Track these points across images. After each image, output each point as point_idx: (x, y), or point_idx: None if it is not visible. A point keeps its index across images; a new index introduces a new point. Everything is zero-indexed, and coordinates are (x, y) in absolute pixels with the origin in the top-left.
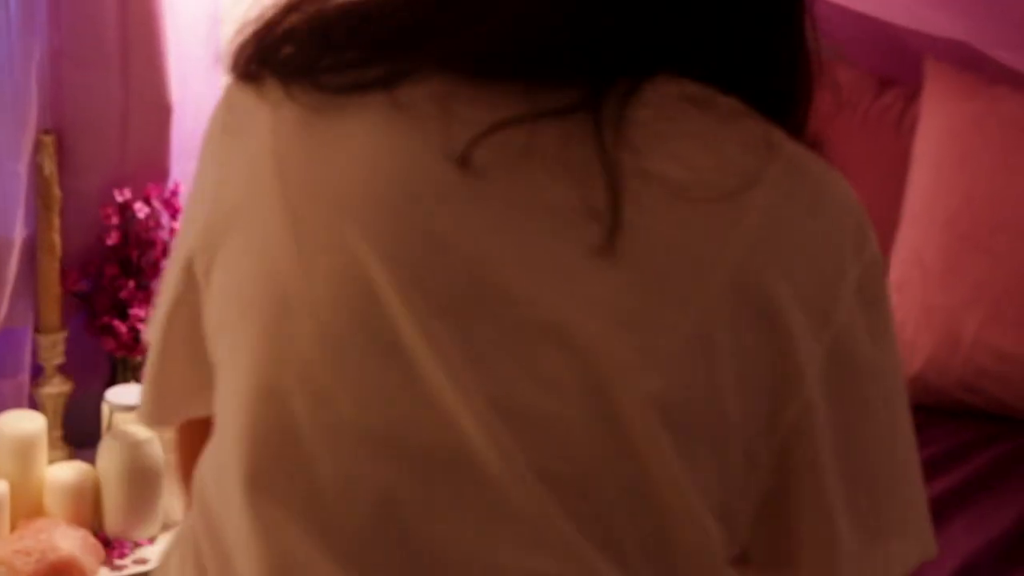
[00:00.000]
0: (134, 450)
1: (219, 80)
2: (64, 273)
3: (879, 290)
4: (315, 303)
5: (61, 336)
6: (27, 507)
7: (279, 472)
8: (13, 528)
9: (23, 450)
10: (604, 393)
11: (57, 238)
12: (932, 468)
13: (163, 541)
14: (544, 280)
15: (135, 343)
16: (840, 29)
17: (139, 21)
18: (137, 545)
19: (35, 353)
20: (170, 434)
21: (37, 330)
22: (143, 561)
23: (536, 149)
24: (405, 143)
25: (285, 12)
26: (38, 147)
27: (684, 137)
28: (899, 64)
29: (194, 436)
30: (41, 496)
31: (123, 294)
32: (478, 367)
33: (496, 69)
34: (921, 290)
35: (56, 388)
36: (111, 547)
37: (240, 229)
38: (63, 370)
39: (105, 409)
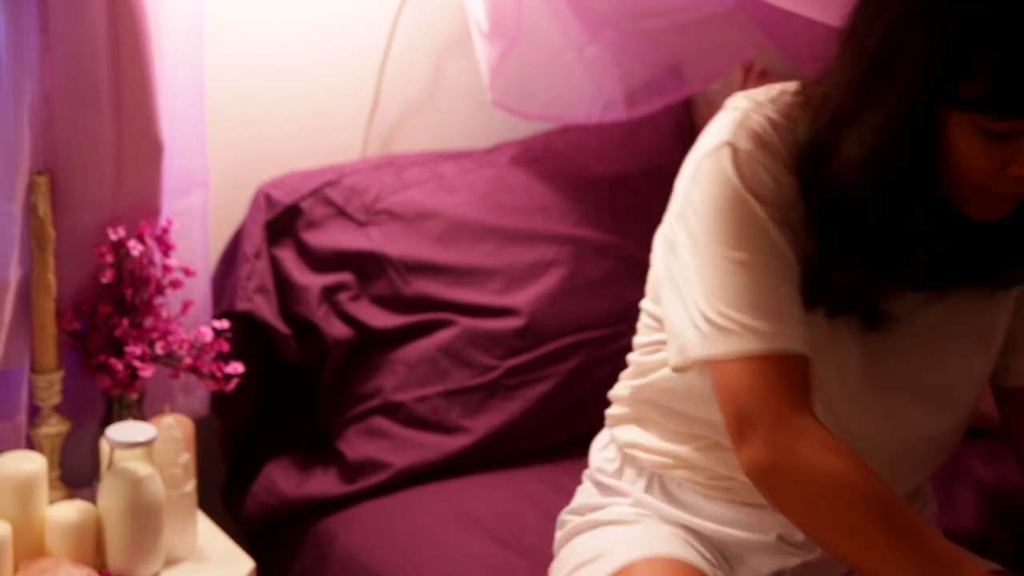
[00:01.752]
0: (136, 487)
1: (204, 119)
2: (59, 313)
3: None
4: None
5: (57, 376)
6: (29, 548)
7: None
8: (16, 569)
9: (24, 491)
10: None
11: (52, 278)
12: None
13: None
14: None
15: (131, 381)
16: None
17: (129, 62)
18: None
19: (31, 393)
20: (173, 470)
21: (33, 370)
22: None
23: None
24: None
25: None
26: (32, 187)
27: None
28: None
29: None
30: (42, 536)
31: (118, 332)
32: None
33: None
34: None
35: (53, 428)
36: None
37: None
38: (60, 410)
39: (105, 446)
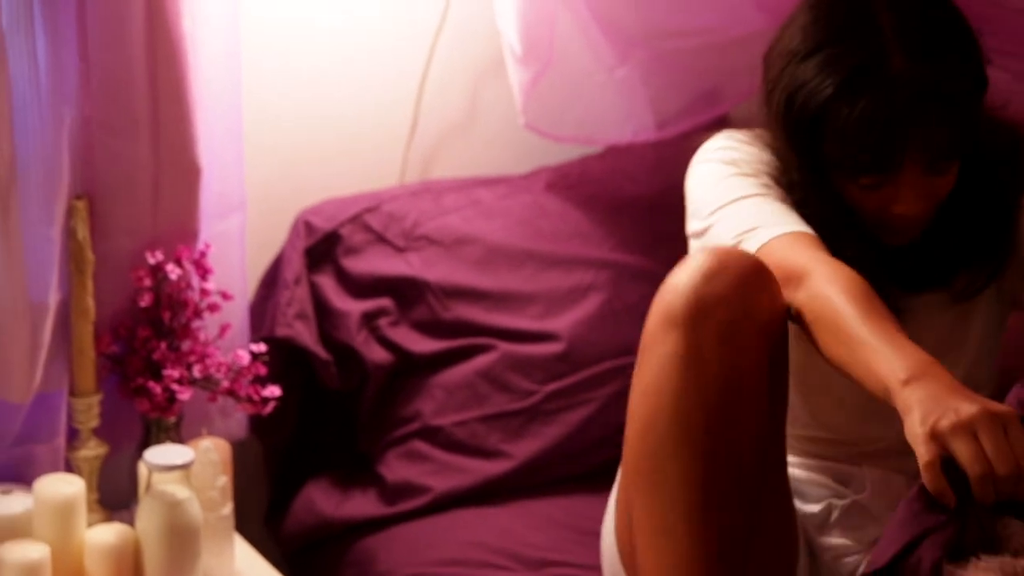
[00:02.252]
0: (173, 509)
1: (242, 144)
2: (97, 336)
3: None
4: None
5: (96, 399)
6: (68, 571)
7: None
8: None
9: (63, 514)
10: None
11: (91, 301)
12: None
13: None
14: None
15: (169, 404)
16: None
17: (167, 89)
18: None
19: (70, 416)
20: (210, 493)
21: (72, 393)
22: None
23: None
24: None
25: None
26: (71, 212)
27: None
28: None
29: None
30: (81, 559)
31: (156, 355)
32: None
33: None
34: None
35: (92, 451)
36: None
37: None
38: (98, 433)
39: (143, 469)
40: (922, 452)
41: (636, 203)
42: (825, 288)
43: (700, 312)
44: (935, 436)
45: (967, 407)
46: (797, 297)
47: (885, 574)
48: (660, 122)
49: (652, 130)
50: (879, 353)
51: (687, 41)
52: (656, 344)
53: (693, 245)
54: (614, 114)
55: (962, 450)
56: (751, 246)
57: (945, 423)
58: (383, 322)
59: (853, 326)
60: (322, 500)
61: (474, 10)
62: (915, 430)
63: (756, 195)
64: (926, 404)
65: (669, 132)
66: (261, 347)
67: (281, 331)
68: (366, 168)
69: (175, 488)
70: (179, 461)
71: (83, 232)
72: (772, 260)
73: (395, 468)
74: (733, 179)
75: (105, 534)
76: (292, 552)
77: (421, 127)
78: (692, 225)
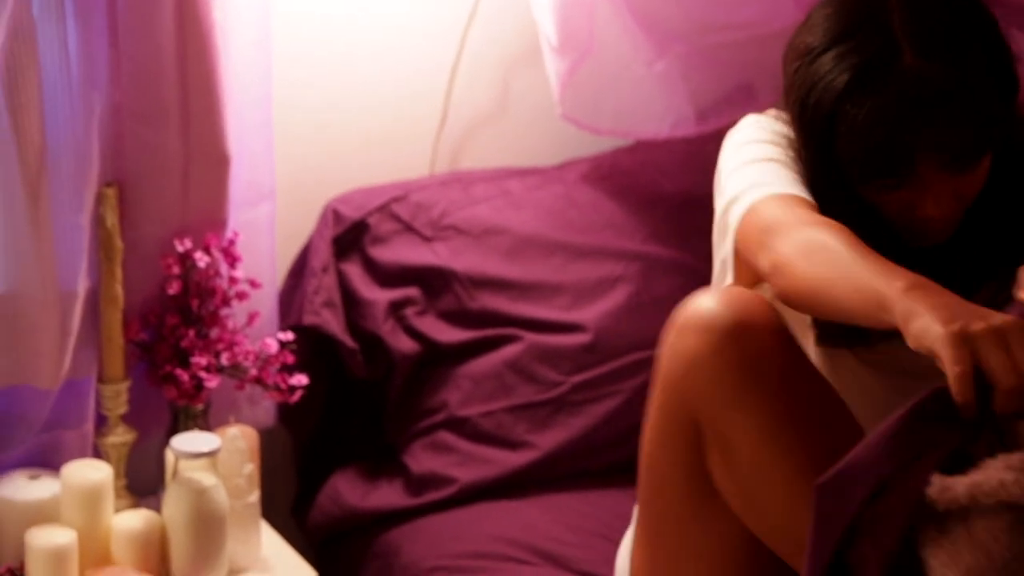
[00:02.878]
0: (200, 497)
1: (272, 133)
2: (126, 323)
3: None
4: None
5: (124, 386)
6: (95, 556)
7: None
8: None
9: (90, 499)
10: None
11: (119, 289)
12: None
13: None
14: None
15: (196, 391)
16: None
17: (197, 77)
18: None
19: (98, 403)
20: (236, 481)
21: (100, 380)
22: None
23: None
24: None
25: None
26: (100, 199)
27: None
28: None
29: None
30: (108, 545)
31: (184, 343)
32: None
33: None
34: None
35: (120, 437)
36: None
37: None
38: (126, 419)
39: (170, 456)
40: (951, 356)
41: (668, 197)
42: (808, 231)
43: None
44: (966, 340)
45: (996, 316)
46: (776, 247)
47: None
48: (700, 116)
49: (692, 124)
50: (870, 271)
51: (727, 35)
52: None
53: (716, 225)
54: (653, 107)
55: (996, 359)
56: (743, 205)
57: (977, 327)
58: (410, 312)
59: (840, 252)
60: (348, 491)
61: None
62: (934, 331)
63: (768, 159)
64: (942, 309)
65: (709, 126)
66: (289, 335)
67: (308, 319)
68: (396, 158)
69: (201, 475)
70: (205, 448)
71: (112, 220)
72: (757, 218)
73: (421, 459)
74: (751, 146)
75: (132, 520)
76: (318, 542)
77: (451, 117)
78: (715, 203)
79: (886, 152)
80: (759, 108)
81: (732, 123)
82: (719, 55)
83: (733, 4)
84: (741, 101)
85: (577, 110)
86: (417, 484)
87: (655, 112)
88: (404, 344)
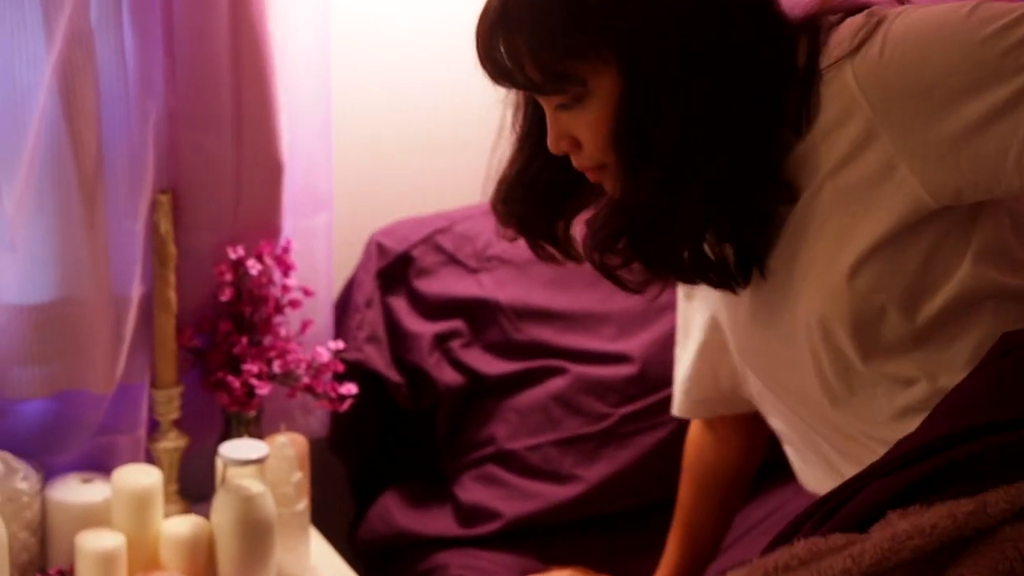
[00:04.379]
0: (247, 503)
1: (331, 141)
2: (179, 329)
3: None
4: None
5: (177, 391)
6: (143, 560)
7: None
8: None
9: (140, 504)
10: None
11: (173, 295)
12: None
13: None
14: None
15: (248, 398)
16: None
17: (252, 84)
18: None
19: (151, 408)
20: (285, 489)
21: (153, 385)
22: None
23: None
24: None
25: None
26: (154, 206)
27: None
28: None
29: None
30: (157, 549)
31: (236, 350)
32: None
33: None
34: None
35: (172, 443)
36: None
37: None
38: (179, 425)
39: (219, 463)
40: None
41: None
42: None
43: None
44: None
45: None
46: None
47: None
48: None
49: None
50: None
51: None
52: None
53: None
54: None
55: None
56: None
57: None
58: (455, 344)
59: None
60: (398, 512)
61: None
62: None
63: None
64: None
65: None
66: (340, 344)
67: (352, 355)
68: (448, 183)
69: (249, 482)
70: (254, 455)
71: (166, 226)
72: None
73: (470, 490)
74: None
75: (180, 526)
76: (369, 557)
77: (504, 144)
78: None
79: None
80: None
81: None
82: None
83: None
84: None
85: None
86: (466, 515)
87: None
88: (449, 377)
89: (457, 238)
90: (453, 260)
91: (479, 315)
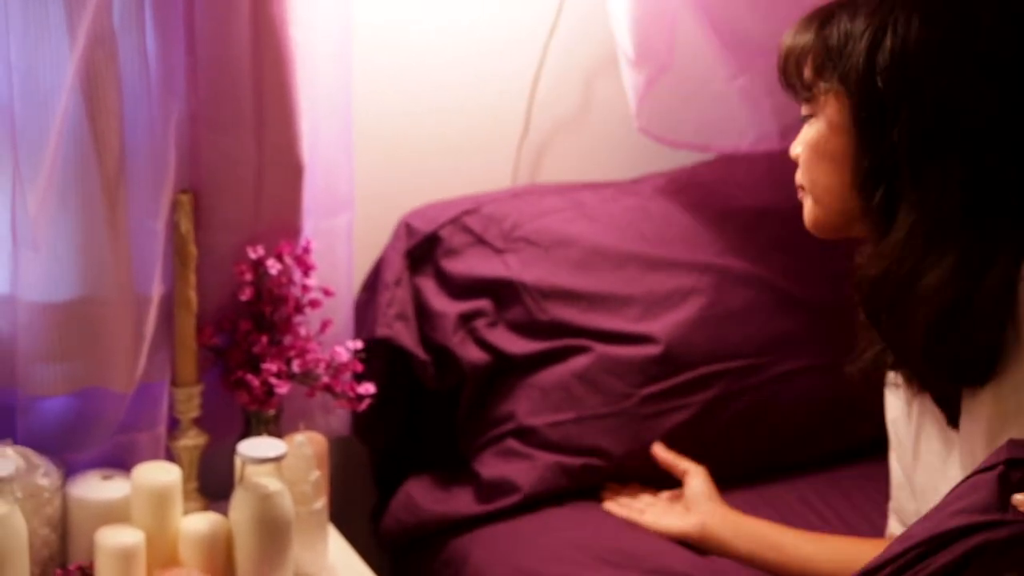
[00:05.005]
0: (265, 501)
1: (352, 143)
2: (199, 328)
3: None
4: None
5: (197, 390)
6: (162, 557)
7: None
8: None
9: (159, 501)
10: None
11: (193, 294)
12: None
13: None
14: None
15: (267, 397)
16: None
17: (272, 86)
18: None
19: (171, 406)
20: (302, 487)
21: (174, 384)
22: None
23: None
24: None
25: None
26: (175, 206)
27: None
28: None
29: None
30: (176, 546)
31: (256, 349)
32: None
33: None
34: None
35: (192, 440)
36: None
37: None
38: (199, 423)
39: (237, 461)
40: None
41: (745, 210)
42: None
43: None
44: None
45: None
46: None
47: None
48: (784, 131)
49: (776, 139)
50: None
51: None
52: None
53: None
54: (734, 122)
55: None
56: None
57: None
58: (480, 323)
59: None
60: (421, 497)
61: (588, 9)
62: None
63: None
64: None
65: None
66: (359, 344)
67: (381, 331)
68: (477, 169)
69: (267, 480)
70: (271, 454)
71: (187, 226)
72: None
73: (490, 465)
74: None
75: (199, 523)
76: (393, 550)
77: (533, 128)
78: None
79: None
80: None
81: None
82: None
83: None
84: None
85: (654, 123)
86: (487, 491)
87: (736, 127)
88: (473, 355)
89: (484, 219)
90: (480, 241)
91: (504, 295)
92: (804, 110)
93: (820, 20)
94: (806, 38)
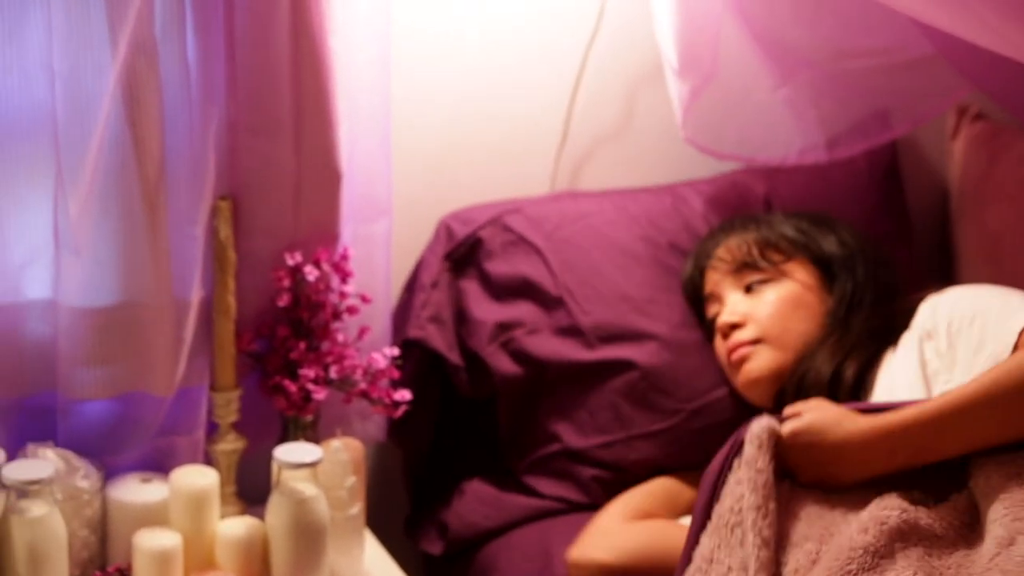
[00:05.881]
0: (300, 506)
1: (390, 149)
2: (238, 334)
3: None
4: None
5: (235, 395)
6: (199, 560)
7: None
8: None
9: (196, 504)
10: None
11: (232, 300)
12: None
13: None
14: None
15: (304, 403)
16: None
17: (311, 93)
18: None
19: (210, 411)
20: (338, 493)
21: (212, 388)
22: None
23: None
24: None
25: None
26: (215, 212)
27: None
28: None
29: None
30: (213, 549)
31: (293, 355)
32: None
33: None
34: None
35: (230, 445)
36: None
37: None
38: (237, 427)
39: (274, 466)
40: None
41: None
42: None
43: None
44: None
45: None
46: None
47: None
48: (830, 143)
49: (822, 151)
50: None
51: (858, 62)
52: None
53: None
54: (779, 133)
55: None
56: None
57: None
58: (519, 332)
59: None
60: (476, 511)
61: (630, 17)
62: None
63: None
64: None
65: (840, 154)
66: (395, 351)
67: (413, 332)
68: (516, 176)
69: (303, 485)
70: (307, 459)
71: (226, 232)
72: None
73: (544, 484)
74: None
75: (235, 527)
76: (440, 557)
77: (572, 136)
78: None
79: None
80: (893, 137)
81: (864, 152)
82: (851, 81)
83: (863, 30)
84: (874, 129)
85: (700, 134)
86: (546, 506)
87: (781, 138)
88: (505, 366)
89: (526, 220)
90: (522, 239)
91: (546, 297)
92: (758, 277)
93: (756, 221)
94: (762, 231)
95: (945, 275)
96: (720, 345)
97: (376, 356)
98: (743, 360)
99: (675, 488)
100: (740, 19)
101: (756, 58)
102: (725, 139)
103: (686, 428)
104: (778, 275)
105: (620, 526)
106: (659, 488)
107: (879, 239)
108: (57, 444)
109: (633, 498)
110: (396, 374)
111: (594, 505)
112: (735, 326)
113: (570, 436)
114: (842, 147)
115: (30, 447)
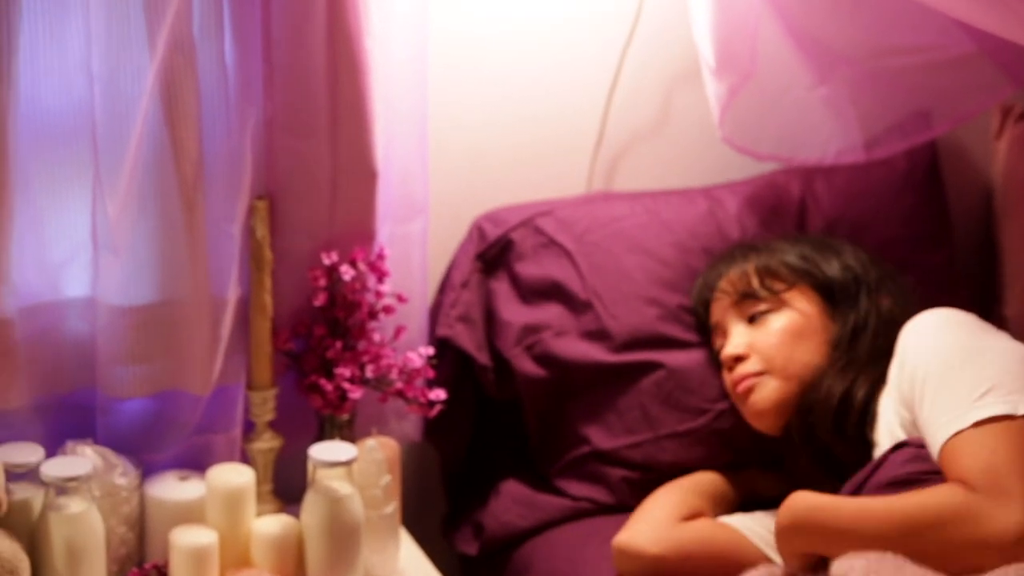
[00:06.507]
0: (335, 505)
1: (427, 149)
2: (275, 332)
3: None
4: None
5: (272, 393)
6: (235, 558)
7: None
8: None
9: (232, 502)
10: None
11: (269, 299)
12: None
13: None
14: None
15: (340, 402)
16: None
17: (347, 94)
18: None
19: (247, 409)
20: (373, 491)
21: (249, 387)
22: None
23: None
24: None
25: None
26: (251, 211)
27: None
28: None
29: None
30: (248, 547)
31: (330, 354)
32: None
33: None
34: None
35: (266, 443)
36: None
37: None
38: (273, 426)
39: (309, 465)
40: None
41: (820, 221)
42: None
43: None
44: None
45: None
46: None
47: None
48: (869, 143)
49: (860, 151)
50: None
51: (898, 60)
52: None
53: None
54: (818, 133)
55: None
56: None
57: None
58: (546, 335)
59: None
60: (510, 511)
61: (666, 17)
62: None
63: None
64: None
65: (879, 154)
66: (430, 350)
67: (442, 331)
68: (552, 177)
69: (338, 484)
70: (342, 458)
71: (262, 231)
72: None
73: (576, 487)
74: (975, 326)
75: (271, 525)
76: (476, 557)
77: (608, 136)
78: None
79: None
80: (933, 136)
81: (904, 152)
82: (890, 79)
83: (903, 28)
84: (913, 128)
85: (738, 134)
86: (578, 508)
87: (820, 138)
88: (529, 368)
89: (557, 222)
90: (552, 243)
91: (575, 299)
92: (760, 308)
93: (757, 249)
94: (763, 259)
95: (987, 277)
96: (727, 377)
97: (412, 355)
98: (749, 392)
99: (720, 484)
100: (778, 17)
101: (794, 56)
102: (763, 139)
103: (714, 428)
104: (780, 304)
105: (670, 520)
106: (707, 483)
107: (917, 241)
108: (96, 441)
109: (682, 489)
110: (431, 373)
111: (625, 506)
112: (739, 358)
113: (599, 438)
114: (881, 147)
115: (69, 444)
